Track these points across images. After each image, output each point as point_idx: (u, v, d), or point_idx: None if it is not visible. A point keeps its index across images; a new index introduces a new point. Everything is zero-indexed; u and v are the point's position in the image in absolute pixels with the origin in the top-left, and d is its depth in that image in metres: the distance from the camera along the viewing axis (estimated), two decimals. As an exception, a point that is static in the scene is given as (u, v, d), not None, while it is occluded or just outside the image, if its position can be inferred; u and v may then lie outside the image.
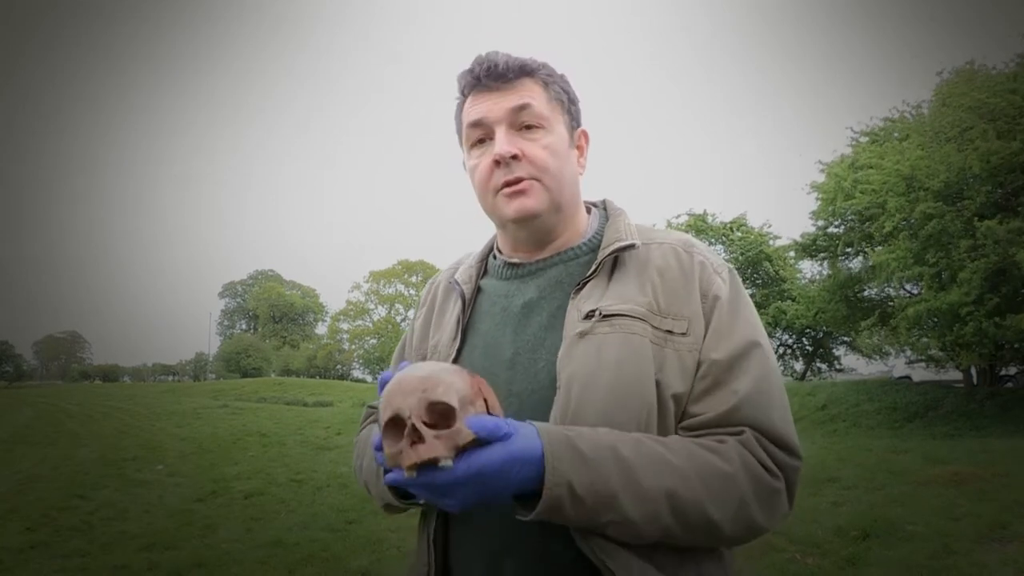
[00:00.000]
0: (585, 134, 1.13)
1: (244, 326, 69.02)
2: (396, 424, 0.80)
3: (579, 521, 0.84)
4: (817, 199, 16.92)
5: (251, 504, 7.26)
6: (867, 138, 17.63)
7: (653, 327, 0.97)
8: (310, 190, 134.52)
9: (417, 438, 0.78)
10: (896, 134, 16.68)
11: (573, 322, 0.99)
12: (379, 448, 0.82)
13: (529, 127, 1.03)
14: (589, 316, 0.98)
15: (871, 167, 14.72)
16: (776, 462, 0.92)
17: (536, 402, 0.97)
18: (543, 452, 0.82)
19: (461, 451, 0.78)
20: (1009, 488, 6.42)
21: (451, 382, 0.81)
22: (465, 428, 0.78)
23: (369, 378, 49.67)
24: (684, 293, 1.00)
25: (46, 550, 5.45)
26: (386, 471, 0.87)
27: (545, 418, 0.95)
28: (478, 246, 1.24)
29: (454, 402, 0.79)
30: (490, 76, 1.03)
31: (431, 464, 0.77)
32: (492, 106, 1.03)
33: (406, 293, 51.55)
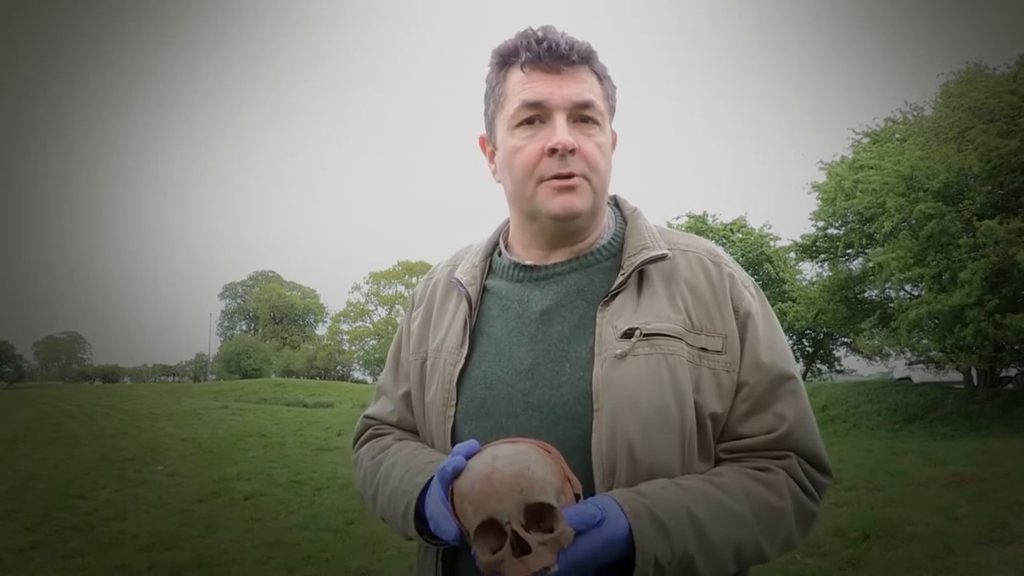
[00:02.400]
0: (615, 135, 1.07)
1: (244, 327, 69.00)
2: (491, 527, 0.76)
3: None
4: (818, 199, 16.94)
5: (251, 505, 7.26)
6: (868, 139, 17.65)
7: (688, 345, 0.94)
8: (310, 191, 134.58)
9: (521, 545, 0.73)
10: (897, 135, 16.70)
11: (609, 340, 0.94)
12: (457, 539, 0.80)
13: (586, 120, 0.98)
14: (627, 335, 0.94)
15: (871, 167, 14.73)
16: (815, 485, 0.95)
17: (559, 416, 0.94)
18: (630, 530, 0.81)
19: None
20: (1009, 488, 6.42)
21: (544, 477, 0.76)
22: (568, 528, 0.75)
23: (369, 379, 49.66)
24: (716, 309, 0.98)
25: (46, 550, 5.44)
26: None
27: (568, 433, 0.93)
28: (477, 241, 1.17)
29: (554, 501, 0.75)
30: (552, 56, 0.95)
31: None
32: (555, 89, 0.96)
33: (406, 294, 51.50)
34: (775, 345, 0.99)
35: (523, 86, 0.97)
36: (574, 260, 1.03)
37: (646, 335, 0.93)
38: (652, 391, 0.91)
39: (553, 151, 0.95)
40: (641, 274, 1.00)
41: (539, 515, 0.75)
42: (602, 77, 1.01)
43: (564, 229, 1.01)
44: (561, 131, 0.95)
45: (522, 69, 0.98)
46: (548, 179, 0.97)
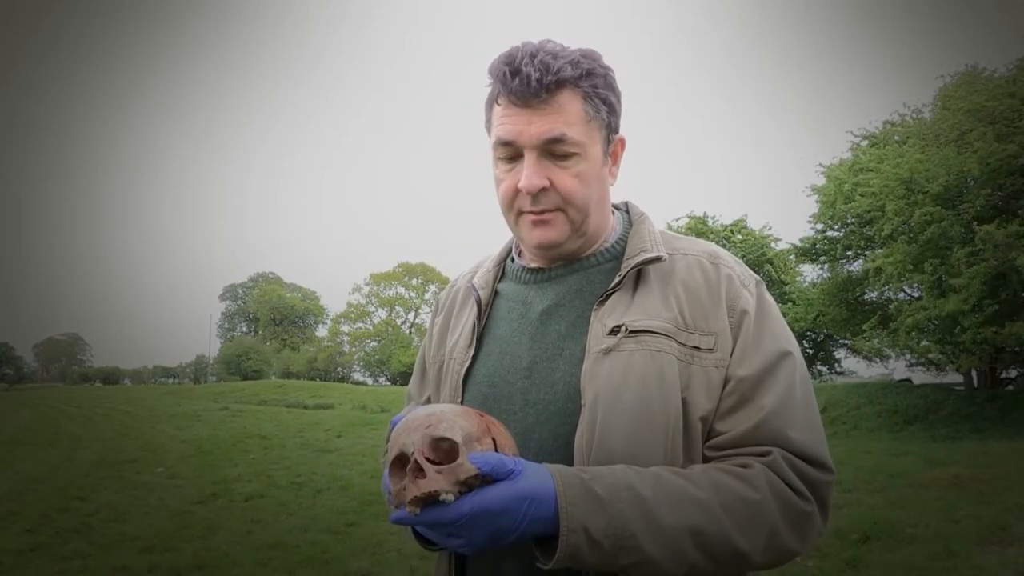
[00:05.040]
0: (622, 141, 1.06)
1: (244, 328, 68.99)
2: (401, 462, 0.80)
3: (600, 565, 0.82)
4: (817, 202, 16.96)
5: (251, 506, 7.26)
6: (867, 141, 17.68)
7: (679, 343, 0.95)
8: (310, 191, 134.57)
9: (419, 473, 0.77)
10: (897, 137, 16.72)
11: (597, 337, 0.96)
12: (389, 491, 0.82)
13: (562, 155, 0.96)
14: (614, 332, 0.95)
15: (871, 170, 14.76)
16: (806, 481, 0.90)
17: (553, 413, 0.96)
18: (556, 495, 0.80)
19: (467, 489, 0.78)
20: (1009, 490, 6.42)
21: (455, 420, 0.81)
22: (467, 462, 0.77)
23: (370, 380, 49.65)
24: (711, 307, 0.97)
25: (46, 552, 5.44)
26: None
27: (562, 430, 0.94)
28: (491, 249, 1.21)
29: (457, 437, 0.79)
30: (524, 92, 0.93)
31: (432, 499, 0.76)
32: (524, 128, 0.95)
33: (406, 295, 51.59)
34: (767, 339, 0.96)
35: (499, 121, 0.98)
36: (576, 263, 1.06)
37: (633, 332, 0.95)
38: (635, 385, 0.92)
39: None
40: (639, 276, 1.01)
41: (450, 456, 0.79)
42: (586, 96, 0.96)
43: (550, 254, 1.05)
44: (528, 172, 0.96)
45: (498, 102, 0.98)
46: (525, 212, 1.00)
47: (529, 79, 0.92)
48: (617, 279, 1.00)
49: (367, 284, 52.37)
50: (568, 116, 0.95)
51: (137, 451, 11.57)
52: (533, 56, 0.94)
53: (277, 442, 13.06)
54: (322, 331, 61.12)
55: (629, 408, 0.91)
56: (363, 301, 52.51)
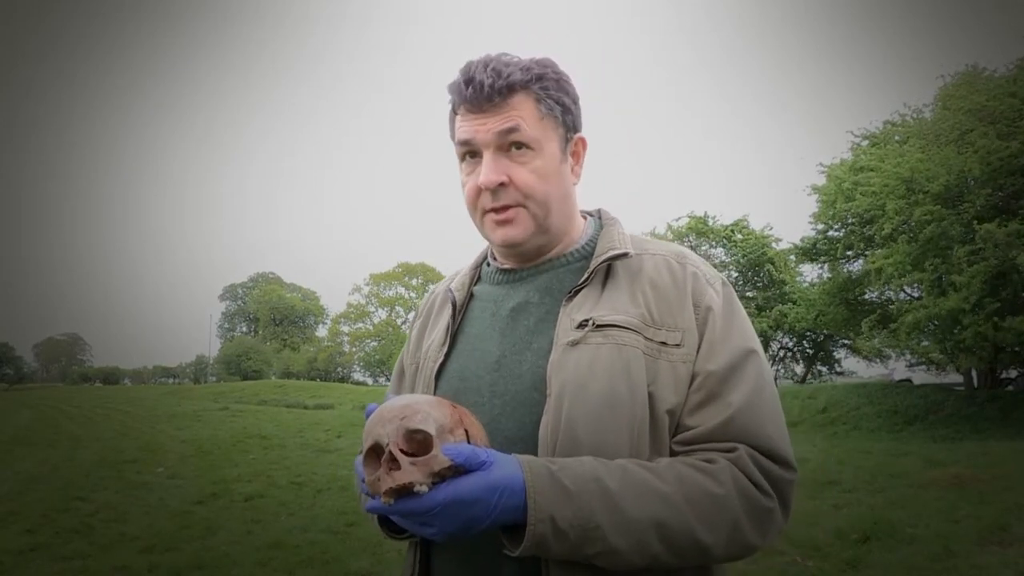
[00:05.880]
0: (583, 141, 1.09)
1: (244, 329, 68.97)
2: (376, 452, 0.82)
3: (565, 555, 0.84)
4: (817, 202, 16.94)
5: (251, 506, 7.25)
6: (867, 141, 17.67)
7: (646, 339, 0.97)
8: (310, 191, 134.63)
9: (394, 464, 0.79)
10: (897, 137, 16.72)
11: (565, 330, 0.98)
12: (363, 479, 0.84)
13: (519, 147, 1.00)
14: (582, 325, 0.98)
15: (871, 170, 14.75)
16: (770, 478, 0.91)
17: (518, 403, 0.98)
18: (524, 485, 0.82)
19: (440, 480, 0.79)
20: (1009, 491, 6.42)
21: (429, 412, 0.82)
22: (441, 454, 0.79)
23: (370, 380, 49.64)
24: (677, 304, 1.00)
25: (46, 552, 5.44)
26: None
27: (527, 419, 0.96)
28: (477, 251, 1.24)
29: (431, 429, 0.80)
30: (476, 97, 0.99)
31: (407, 491, 0.78)
32: (479, 127, 1.00)
33: (406, 296, 51.53)
34: (733, 336, 0.98)
35: (458, 126, 1.03)
36: (546, 263, 1.09)
37: (600, 326, 0.97)
38: (601, 377, 0.93)
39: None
40: (608, 274, 1.04)
41: (424, 447, 0.80)
42: (538, 98, 1.01)
43: (517, 252, 1.08)
44: (486, 169, 1.00)
45: (456, 112, 1.04)
46: (488, 211, 1.03)
47: (482, 85, 0.98)
48: (586, 275, 1.03)
49: (367, 284, 52.32)
50: (522, 111, 1.00)
51: (137, 451, 11.56)
52: (486, 65, 1.00)
53: (277, 442, 13.07)
54: (322, 331, 61.07)
55: (595, 399, 0.92)
56: (363, 301, 52.48)
